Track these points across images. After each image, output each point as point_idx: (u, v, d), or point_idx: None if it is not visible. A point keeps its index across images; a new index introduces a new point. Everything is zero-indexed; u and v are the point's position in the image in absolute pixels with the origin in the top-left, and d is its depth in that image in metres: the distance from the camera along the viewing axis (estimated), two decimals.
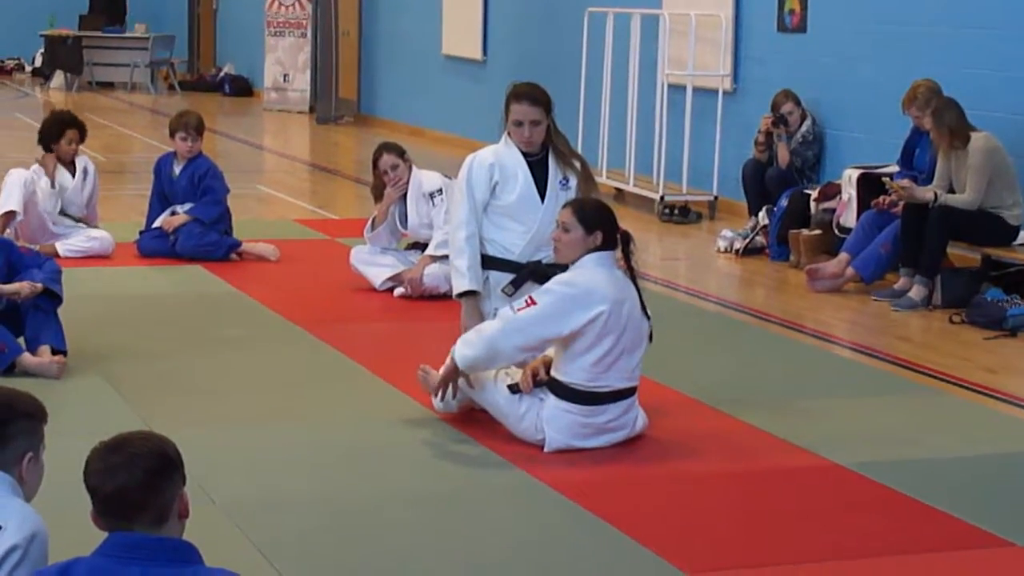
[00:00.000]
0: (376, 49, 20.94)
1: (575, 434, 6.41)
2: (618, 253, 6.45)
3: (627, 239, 6.44)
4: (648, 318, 6.46)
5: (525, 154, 6.94)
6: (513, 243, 6.94)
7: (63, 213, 10.72)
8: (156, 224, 10.82)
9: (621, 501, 5.87)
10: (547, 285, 6.38)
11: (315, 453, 6.40)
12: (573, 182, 6.98)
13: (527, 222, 6.92)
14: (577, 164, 7.04)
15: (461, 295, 6.95)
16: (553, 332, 6.29)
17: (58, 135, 10.67)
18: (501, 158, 6.95)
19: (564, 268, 6.86)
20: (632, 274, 6.44)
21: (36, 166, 10.64)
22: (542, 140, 6.94)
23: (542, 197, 6.92)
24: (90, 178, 10.92)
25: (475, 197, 6.91)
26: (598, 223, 6.38)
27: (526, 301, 6.32)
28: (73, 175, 10.78)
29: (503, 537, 5.49)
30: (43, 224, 10.58)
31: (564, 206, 6.58)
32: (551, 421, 6.40)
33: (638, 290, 6.44)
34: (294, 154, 18.61)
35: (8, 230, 10.13)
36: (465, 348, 6.42)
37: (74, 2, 27.90)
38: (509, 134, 6.96)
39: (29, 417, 3.80)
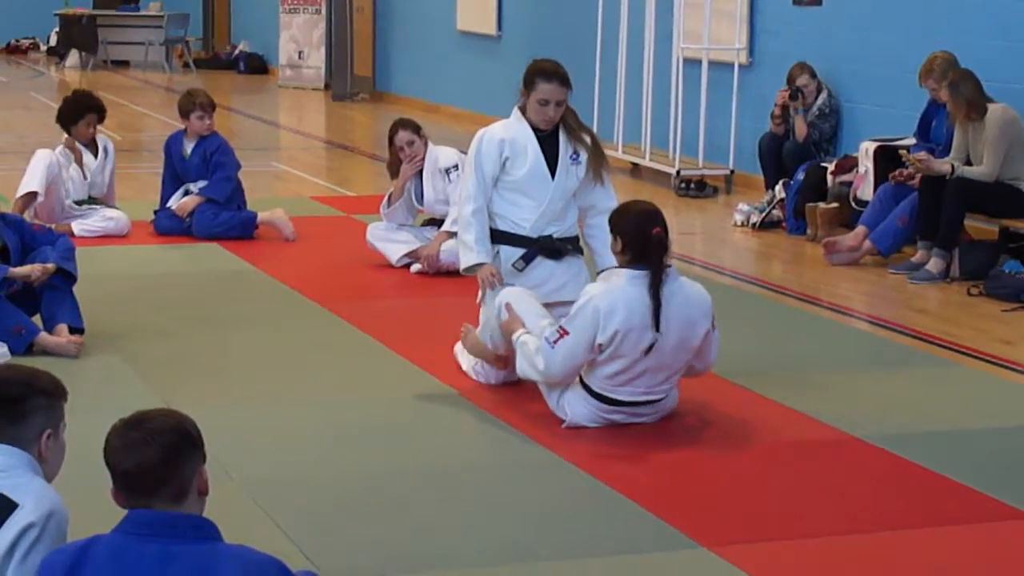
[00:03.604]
0: (391, 25, 20.91)
1: (593, 420, 6.39)
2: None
3: (658, 243, 6.14)
4: (656, 329, 6.14)
5: (536, 129, 6.93)
6: (524, 218, 6.93)
7: (88, 197, 10.74)
8: (170, 206, 10.81)
9: (640, 475, 5.87)
10: (575, 305, 6.22)
11: (333, 429, 6.41)
12: (584, 157, 6.97)
13: (537, 197, 6.91)
14: (587, 139, 7.02)
15: (470, 268, 6.95)
16: (591, 352, 6.22)
17: (76, 118, 10.66)
18: (512, 133, 6.93)
19: (575, 242, 6.88)
20: (654, 280, 6.11)
21: (62, 148, 10.62)
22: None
23: (552, 172, 6.91)
24: (110, 157, 10.92)
25: (484, 172, 6.90)
26: (618, 229, 6.24)
27: (559, 331, 6.20)
28: (95, 155, 10.80)
29: (522, 511, 5.50)
30: (63, 205, 10.59)
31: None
32: (572, 405, 6.39)
33: (656, 303, 6.11)
34: (310, 131, 18.61)
35: (27, 211, 10.14)
36: (527, 365, 6.35)
37: None
38: (522, 109, 6.93)
39: (47, 395, 3.80)
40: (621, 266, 6.26)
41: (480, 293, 7.03)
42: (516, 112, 6.97)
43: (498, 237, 6.94)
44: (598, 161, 7.00)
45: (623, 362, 6.22)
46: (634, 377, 6.28)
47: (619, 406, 6.35)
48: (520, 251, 6.93)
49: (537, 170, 6.90)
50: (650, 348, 6.17)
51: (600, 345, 6.15)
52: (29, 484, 3.67)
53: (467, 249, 6.92)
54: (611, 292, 6.16)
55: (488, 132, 6.98)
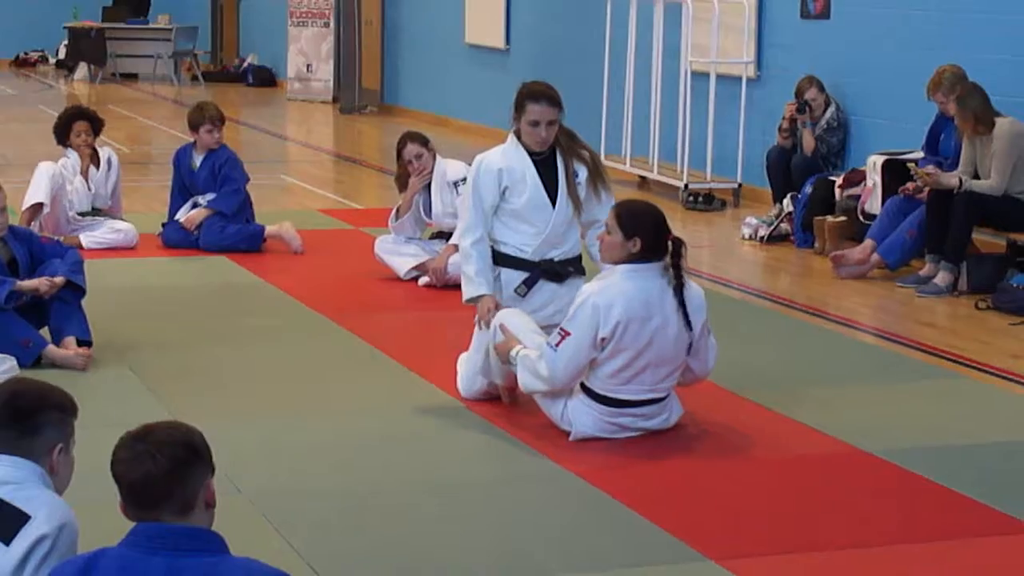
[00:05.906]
0: (399, 38, 20.93)
1: (600, 429, 6.40)
2: (668, 260, 6.29)
3: (677, 247, 6.26)
4: (690, 329, 6.30)
5: (533, 154, 6.90)
6: (525, 243, 6.92)
7: (92, 209, 10.77)
8: (178, 219, 10.84)
9: (647, 488, 5.87)
10: (573, 306, 6.28)
11: (341, 442, 6.41)
12: (583, 175, 6.95)
13: (538, 224, 6.89)
14: (586, 154, 6.99)
15: (471, 300, 6.94)
16: (594, 350, 6.25)
17: (67, 130, 10.72)
18: (509, 161, 6.89)
19: (577, 263, 6.87)
20: (678, 282, 6.26)
21: (64, 159, 10.67)
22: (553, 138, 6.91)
23: (552, 197, 6.89)
24: (113, 169, 10.95)
25: (483, 202, 6.89)
26: (637, 229, 6.26)
27: (560, 333, 6.25)
28: (98, 167, 10.83)
29: (529, 524, 5.50)
30: (67, 216, 10.62)
31: (612, 207, 6.53)
32: (576, 415, 6.40)
33: (682, 302, 6.28)
34: (318, 144, 18.63)
35: (34, 223, 10.16)
36: (530, 376, 6.37)
37: None
38: (517, 133, 6.91)
39: (60, 409, 3.82)
40: (622, 260, 6.30)
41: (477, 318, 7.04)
42: (512, 138, 6.94)
43: (500, 260, 6.92)
44: (596, 179, 6.97)
45: (625, 356, 6.24)
46: (636, 373, 6.30)
47: (623, 407, 6.36)
48: (521, 275, 6.92)
49: (537, 198, 6.87)
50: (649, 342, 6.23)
51: (603, 339, 6.19)
52: (41, 496, 3.69)
53: (468, 281, 6.91)
54: (607, 288, 6.23)
55: (485, 161, 6.93)
